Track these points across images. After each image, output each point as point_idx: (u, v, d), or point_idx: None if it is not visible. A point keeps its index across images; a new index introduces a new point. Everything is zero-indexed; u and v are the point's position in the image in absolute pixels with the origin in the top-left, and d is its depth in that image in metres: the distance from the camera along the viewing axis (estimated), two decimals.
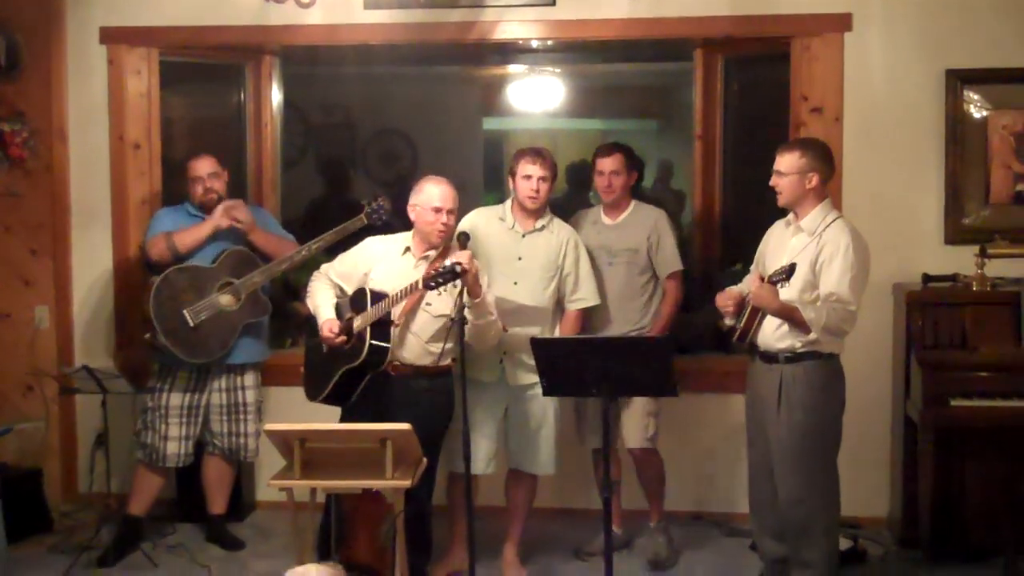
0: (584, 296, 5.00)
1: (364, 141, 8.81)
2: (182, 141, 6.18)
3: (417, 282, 4.42)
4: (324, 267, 4.85)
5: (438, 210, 4.59)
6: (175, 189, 5.62)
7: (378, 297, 4.53)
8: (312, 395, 4.77)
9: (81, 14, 5.76)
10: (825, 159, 4.52)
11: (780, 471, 4.49)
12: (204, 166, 5.28)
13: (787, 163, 4.48)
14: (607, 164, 5.13)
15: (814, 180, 4.46)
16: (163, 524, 5.59)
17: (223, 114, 6.24)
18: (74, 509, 5.81)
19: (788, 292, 4.38)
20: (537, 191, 4.84)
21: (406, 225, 4.79)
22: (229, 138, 6.15)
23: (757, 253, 4.78)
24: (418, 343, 4.60)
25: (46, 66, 5.74)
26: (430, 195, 4.62)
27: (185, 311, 5.03)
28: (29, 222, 5.82)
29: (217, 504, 5.47)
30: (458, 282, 4.33)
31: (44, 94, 5.76)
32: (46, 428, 5.83)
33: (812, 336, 4.33)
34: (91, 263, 5.85)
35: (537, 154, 4.86)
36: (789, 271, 4.27)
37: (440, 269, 4.30)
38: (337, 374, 4.58)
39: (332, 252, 5.22)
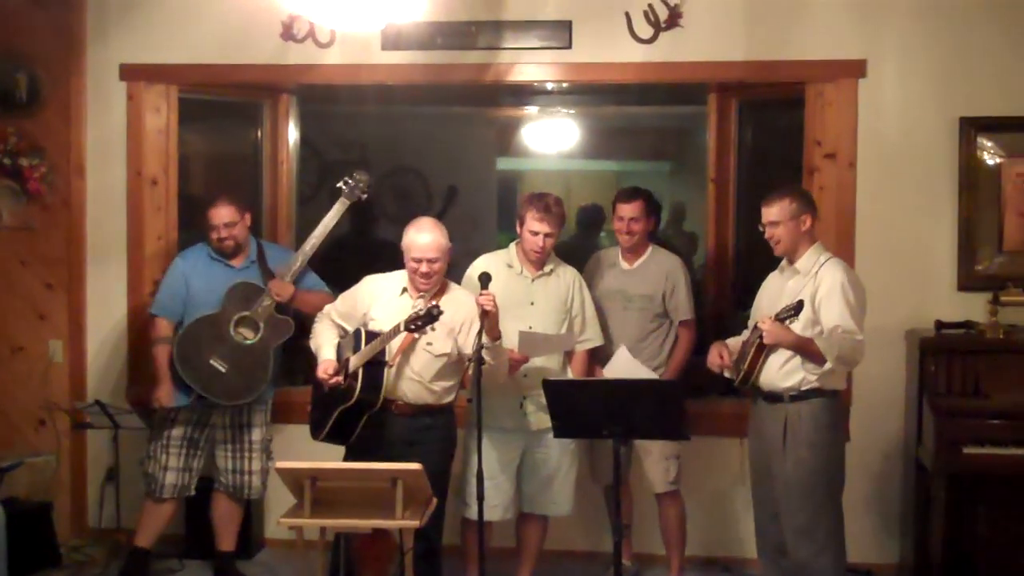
0: (591, 336, 5.04)
1: (379, 179, 8.83)
2: (199, 178, 6.22)
3: (399, 325, 4.44)
4: (327, 308, 4.88)
5: (418, 260, 4.58)
6: (191, 226, 5.64)
7: (372, 337, 4.56)
8: (315, 433, 4.79)
9: (101, 51, 5.81)
10: (811, 202, 4.67)
11: (786, 508, 4.51)
12: (221, 215, 5.21)
13: (778, 212, 4.59)
14: (627, 210, 5.12)
15: (808, 222, 4.59)
16: (171, 560, 5.57)
17: (240, 151, 6.28)
18: (83, 544, 5.79)
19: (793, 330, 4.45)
20: (542, 247, 4.87)
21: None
22: (246, 175, 6.19)
23: (753, 308, 4.81)
24: (419, 384, 4.61)
25: (65, 102, 5.79)
26: (409, 243, 4.63)
27: (212, 361, 5.05)
28: (45, 256, 5.85)
29: (226, 541, 5.44)
30: (476, 324, 4.39)
31: (63, 129, 5.80)
32: (57, 462, 5.81)
33: (827, 366, 4.37)
34: (106, 298, 5.86)
35: (546, 210, 4.83)
36: (797, 307, 4.40)
37: (419, 312, 4.33)
38: (334, 414, 4.61)
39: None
